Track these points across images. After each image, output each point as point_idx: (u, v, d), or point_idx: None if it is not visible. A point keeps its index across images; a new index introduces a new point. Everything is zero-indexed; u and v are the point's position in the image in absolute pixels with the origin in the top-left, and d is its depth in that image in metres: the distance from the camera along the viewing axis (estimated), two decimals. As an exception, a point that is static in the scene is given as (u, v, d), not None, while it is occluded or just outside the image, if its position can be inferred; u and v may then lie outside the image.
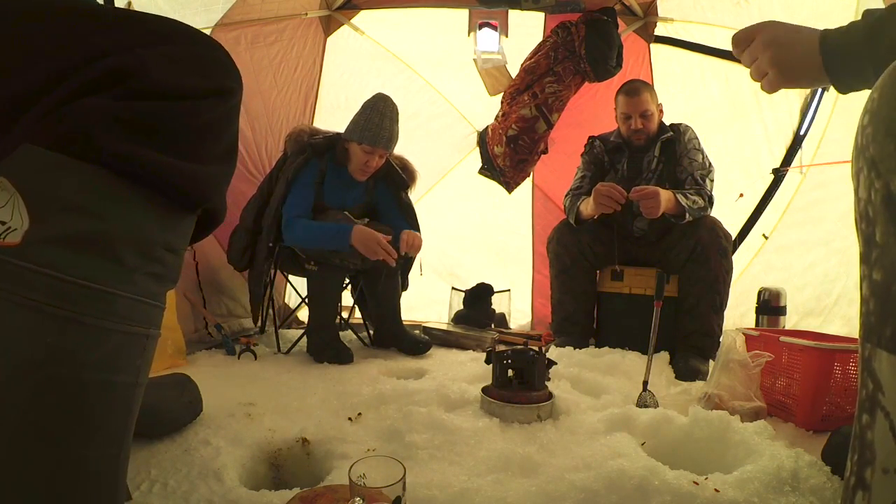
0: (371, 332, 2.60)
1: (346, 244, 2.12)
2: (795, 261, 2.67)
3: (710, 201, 2.29)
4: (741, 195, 2.84)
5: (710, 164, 2.37)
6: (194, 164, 0.62)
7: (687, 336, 2.19)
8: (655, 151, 2.40)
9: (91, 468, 0.58)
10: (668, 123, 2.46)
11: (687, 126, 2.43)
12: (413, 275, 2.70)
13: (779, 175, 2.73)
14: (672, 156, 2.39)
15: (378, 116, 2.20)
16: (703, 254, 2.18)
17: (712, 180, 2.35)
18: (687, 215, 2.18)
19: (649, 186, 2.16)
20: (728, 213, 2.60)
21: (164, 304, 0.67)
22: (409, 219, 2.50)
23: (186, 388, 1.36)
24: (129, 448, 0.64)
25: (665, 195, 2.13)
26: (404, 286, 2.63)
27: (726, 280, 2.21)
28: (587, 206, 2.33)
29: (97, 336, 0.57)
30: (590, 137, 2.62)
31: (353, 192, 2.39)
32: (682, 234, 2.24)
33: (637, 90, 2.39)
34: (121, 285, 0.58)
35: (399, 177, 2.47)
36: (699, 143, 2.40)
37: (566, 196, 2.54)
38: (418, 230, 2.52)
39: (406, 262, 2.58)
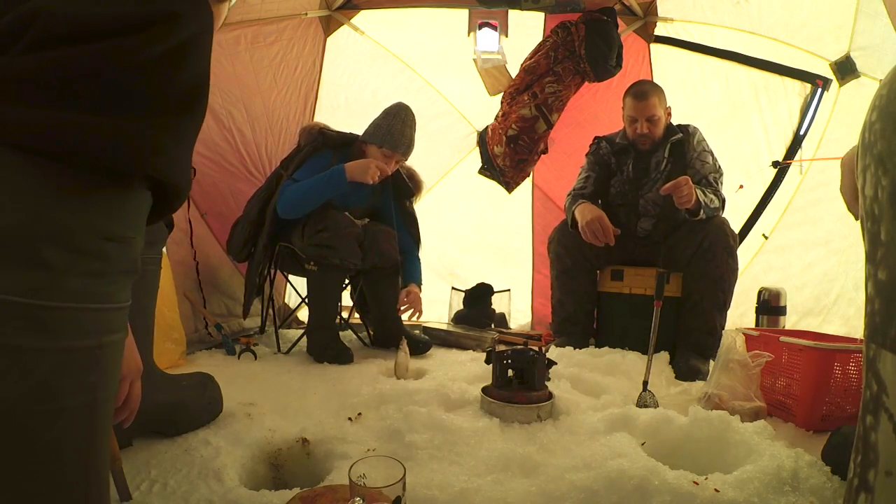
0: (371, 332, 2.60)
1: (344, 184, 2.15)
2: (795, 260, 2.67)
3: (723, 203, 2.31)
4: (741, 186, 2.84)
5: (719, 166, 2.38)
6: (121, 120, 0.49)
7: (688, 333, 2.18)
8: (665, 153, 2.39)
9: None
10: (675, 124, 2.47)
11: (695, 128, 2.44)
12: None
13: (780, 170, 2.73)
14: (681, 157, 2.38)
15: (400, 124, 2.30)
16: (709, 250, 2.17)
17: (722, 183, 2.37)
18: (701, 212, 2.19)
19: (679, 178, 2.14)
20: (728, 212, 2.60)
21: (121, 303, 0.55)
22: (410, 227, 2.54)
23: (207, 387, 1.36)
24: (104, 467, 0.56)
25: (685, 181, 2.13)
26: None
27: (731, 279, 2.20)
28: (581, 217, 2.32)
29: (23, 361, 0.47)
30: (596, 138, 2.61)
31: (359, 194, 2.40)
32: (689, 230, 2.24)
33: (645, 94, 2.36)
34: (46, 294, 0.47)
35: (406, 185, 2.52)
36: (708, 145, 2.41)
37: (568, 196, 2.54)
38: (419, 239, 2.57)
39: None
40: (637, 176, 2.43)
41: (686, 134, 2.40)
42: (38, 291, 0.47)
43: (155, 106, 0.51)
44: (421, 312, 2.44)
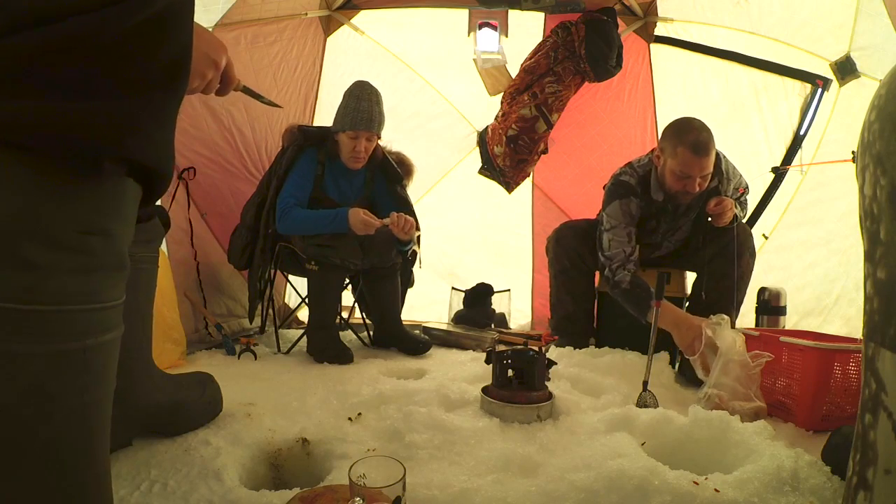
0: (371, 332, 2.60)
1: (344, 229, 2.15)
2: (795, 261, 2.67)
3: (746, 212, 2.40)
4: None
5: (746, 183, 2.37)
6: (88, 102, 0.45)
7: None
8: (700, 202, 2.24)
9: None
10: None
11: (722, 155, 2.25)
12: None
13: (778, 174, 2.73)
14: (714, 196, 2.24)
15: (355, 101, 2.24)
16: (733, 251, 2.16)
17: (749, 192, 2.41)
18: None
19: (724, 199, 2.13)
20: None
21: (111, 301, 0.53)
22: (405, 212, 2.52)
23: (207, 387, 1.37)
24: (102, 468, 0.54)
25: (731, 203, 2.15)
26: (410, 282, 2.63)
27: (748, 280, 2.22)
28: (680, 336, 1.87)
29: (12, 366, 0.46)
30: (622, 183, 2.25)
31: (353, 185, 2.41)
32: (712, 231, 2.23)
33: (707, 148, 1.99)
34: (33, 297, 0.45)
35: (394, 170, 2.48)
36: (732, 165, 2.31)
37: (610, 261, 2.16)
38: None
39: (410, 258, 2.57)
40: (666, 228, 2.33)
41: (719, 174, 2.19)
42: (25, 294, 0.45)
43: (129, 84, 0.47)
44: (409, 230, 2.26)
